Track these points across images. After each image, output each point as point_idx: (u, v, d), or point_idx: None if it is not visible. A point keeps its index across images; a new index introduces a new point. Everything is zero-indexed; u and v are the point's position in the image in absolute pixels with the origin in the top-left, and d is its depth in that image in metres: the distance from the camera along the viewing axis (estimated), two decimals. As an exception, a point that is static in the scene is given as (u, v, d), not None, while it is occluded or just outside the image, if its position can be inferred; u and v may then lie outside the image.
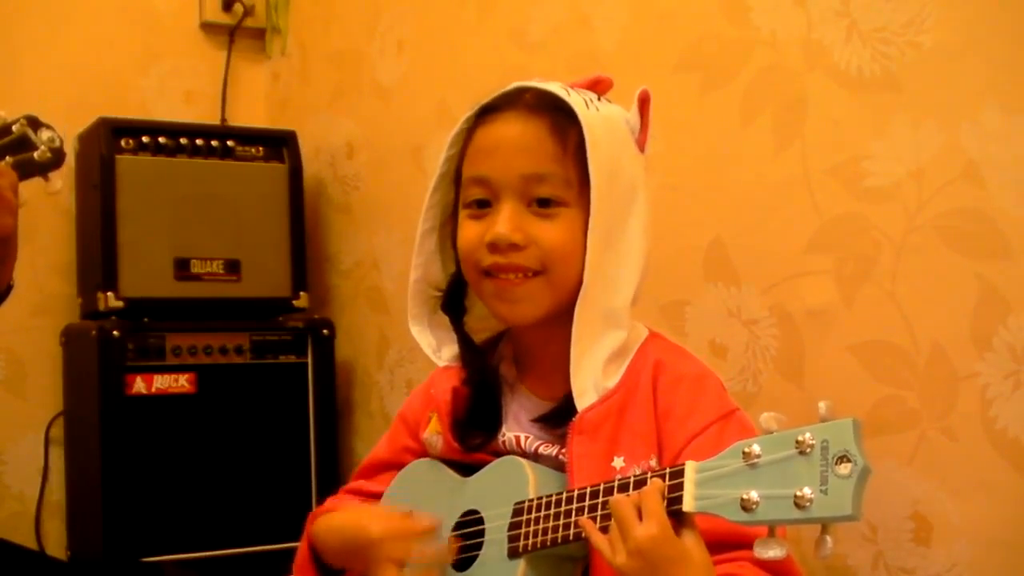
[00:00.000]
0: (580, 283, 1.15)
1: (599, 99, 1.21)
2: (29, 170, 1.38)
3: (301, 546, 1.31)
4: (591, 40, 1.82)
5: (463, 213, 1.21)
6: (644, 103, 1.20)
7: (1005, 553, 1.26)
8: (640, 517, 0.95)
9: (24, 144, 1.38)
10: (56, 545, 2.49)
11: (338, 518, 1.26)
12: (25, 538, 2.45)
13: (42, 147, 1.39)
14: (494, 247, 1.16)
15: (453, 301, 1.29)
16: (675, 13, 1.67)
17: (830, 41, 1.44)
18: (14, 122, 1.39)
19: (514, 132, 1.17)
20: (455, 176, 1.25)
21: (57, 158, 1.41)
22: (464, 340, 1.28)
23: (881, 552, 1.37)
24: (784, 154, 1.50)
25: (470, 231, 1.19)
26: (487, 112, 1.21)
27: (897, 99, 1.36)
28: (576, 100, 1.17)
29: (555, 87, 1.20)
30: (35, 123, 1.41)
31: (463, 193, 1.21)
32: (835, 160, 1.44)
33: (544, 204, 1.16)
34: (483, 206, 1.18)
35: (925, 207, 1.33)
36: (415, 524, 1.17)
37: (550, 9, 1.92)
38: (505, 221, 1.15)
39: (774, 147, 1.51)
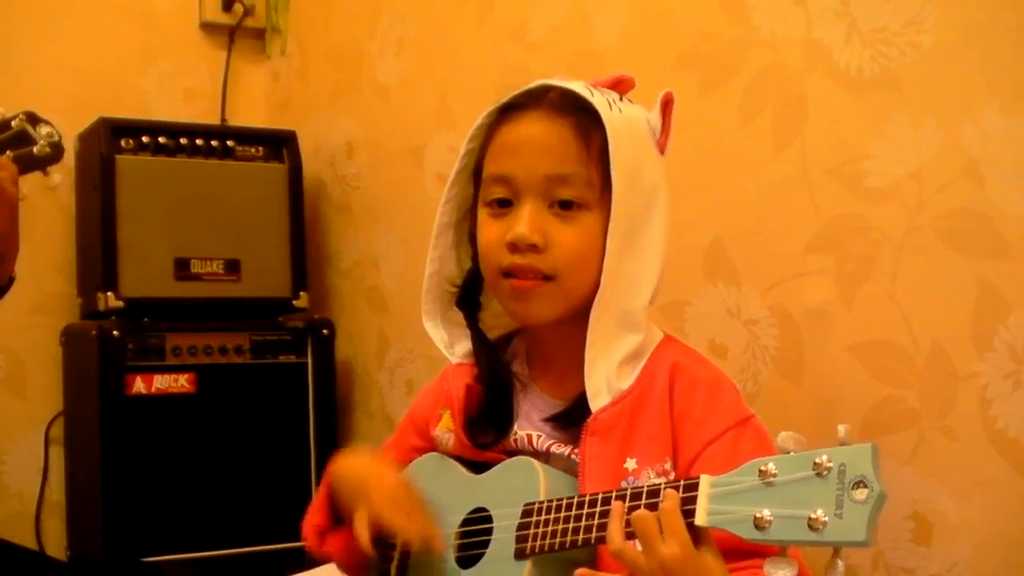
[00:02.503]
0: (597, 285, 1.15)
1: (621, 99, 1.21)
2: (29, 164, 1.39)
3: (319, 490, 1.31)
4: (591, 40, 1.82)
5: (484, 211, 1.21)
6: (667, 105, 1.20)
7: (1005, 553, 1.26)
8: (662, 533, 0.94)
9: (23, 139, 1.40)
10: (56, 545, 2.49)
11: (368, 458, 1.27)
12: (25, 538, 2.45)
13: (41, 142, 1.40)
14: (514, 247, 1.16)
15: (468, 297, 1.29)
16: (675, 13, 1.67)
17: (830, 41, 1.44)
18: (13, 117, 1.40)
19: (538, 132, 1.17)
20: (474, 171, 1.25)
21: (56, 152, 1.42)
22: (478, 337, 1.28)
23: (881, 552, 1.37)
24: (784, 154, 1.50)
25: (491, 231, 1.19)
26: (510, 109, 1.21)
27: (897, 99, 1.36)
28: (600, 101, 1.17)
29: (579, 86, 1.19)
30: (34, 119, 1.42)
31: (484, 190, 1.21)
32: (835, 160, 1.44)
33: (566, 206, 1.15)
34: (504, 205, 1.18)
35: (925, 207, 1.33)
36: (424, 508, 1.18)
37: (550, 9, 1.91)
38: (526, 222, 1.15)
39: (774, 147, 1.51)
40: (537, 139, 1.17)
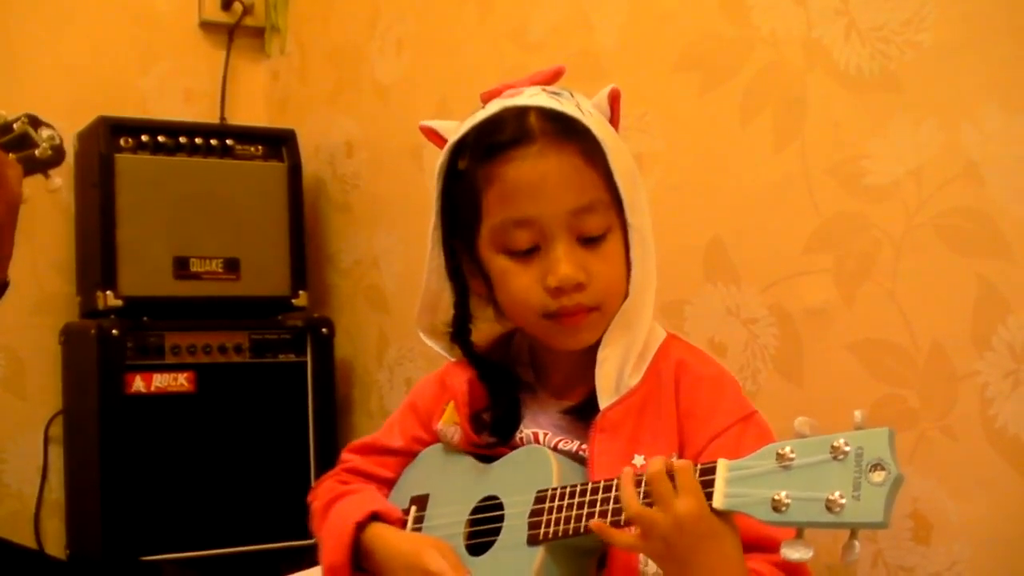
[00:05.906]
0: (625, 295, 1.16)
1: (573, 95, 1.19)
2: (30, 167, 1.40)
3: (338, 547, 1.21)
4: (591, 40, 1.82)
5: (502, 258, 1.16)
6: (615, 100, 1.19)
7: (1005, 552, 1.26)
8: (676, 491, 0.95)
9: (25, 142, 1.40)
10: (55, 544, 2.49)
11: (396, 537, 1.20)
12: (24, 537, 2.45)
13: (43, 145, 1.40)
14: (560, 291, 1.13)
15: (460, 330, 1.27)
16: (675, 13, 1.67)
17: (830, 40, 1.44)
18: (15, 120, 1.40)
19: (552, 167, 1.12)
20: (444, 210, 1.22)
21: (58, 155, 1.42)
22: (479, 363, 1.26)
23: (881, 550, 1.37)
24: (784, 153, 1.50)
25: (523, 278, 1.15)
26: (499, 148, 1.15)
27: (897, 98, 1.36)
28: (571, 108, 1.14)
29: (543, 99, 1.15)
30: (35, 121, 1.42)
31: (498, 237, 1.16)
32: (835, 159, 1.44)
33: (595, 240, 1.14)
34: (530, 251, 1.14)
35: (925, 206, 1.33)
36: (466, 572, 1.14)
37: (550, 9, 1.92)
38: (567, 262, 1.12)
39: (774, 146, 1.52)
40: (553, 175, 1.12)
